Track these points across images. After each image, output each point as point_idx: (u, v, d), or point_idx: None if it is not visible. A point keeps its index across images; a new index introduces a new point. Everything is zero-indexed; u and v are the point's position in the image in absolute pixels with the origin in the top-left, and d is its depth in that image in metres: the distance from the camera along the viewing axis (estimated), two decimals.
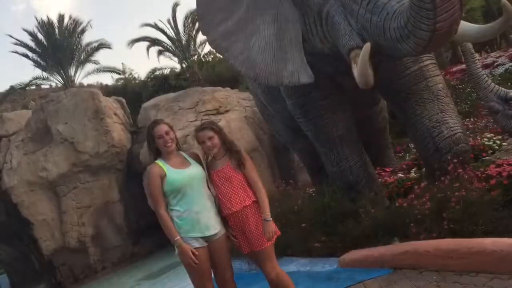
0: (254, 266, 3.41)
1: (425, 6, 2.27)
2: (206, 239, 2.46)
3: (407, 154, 5.88)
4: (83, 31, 16.82)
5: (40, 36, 16.31)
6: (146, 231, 9.74)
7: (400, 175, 4.16)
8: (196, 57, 19.47)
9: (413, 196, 3.24)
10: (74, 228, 9.30)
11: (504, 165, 3.23)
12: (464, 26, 2.78)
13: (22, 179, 9.19)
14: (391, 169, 4.64)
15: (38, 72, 17.47)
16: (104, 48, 17.24)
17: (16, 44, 16.13)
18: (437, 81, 3.52)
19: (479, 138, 4.52)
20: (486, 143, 4.28)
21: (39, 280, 9.77)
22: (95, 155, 9.51)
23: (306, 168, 5.68)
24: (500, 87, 3.44)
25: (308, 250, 3.60)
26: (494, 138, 4.45)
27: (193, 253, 2.37)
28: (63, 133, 9.54)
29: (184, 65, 18.72)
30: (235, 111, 9.97)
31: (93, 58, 17.28)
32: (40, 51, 16.44)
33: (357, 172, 3.78)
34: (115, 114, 10.35)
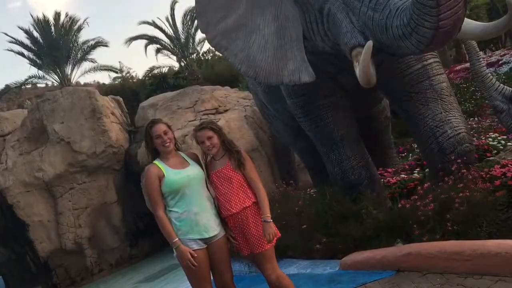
0: (254, 268, 3.37)
1: (428, 3, 2.23)
2: (205, 241, 2.43)
3: (410, 154, 5.80)
4: (79, 29, 16.77)
5: (36, 34, 16.24)
6: (144, 232, 9.67)
7: (403, 175, 4.11)
8: (195, 55, 19.50)
9: (416, 197, 3.20)
10: (71, 230, 9.19)
11: (509, 165, 3.21)
12: (468, 24, 2.75)
13: (17, 179, 9.08)
14: (393, 169, 4.59)
15: (34, 70, 17.48)
16: (101, 46, 17.24)
17: (11, 42, 16.08)
18: (441, 80, 3.47)
19: (483, 138, 4.46)
20: (491, 143, 4.22)
21: (35, 282, 9.65)
22: (92, 155, 9.41)
23: (307, 168, 5.62)
24: (505, 86, 3.41)
25: (309, 252, 3.57)
26: (499, 138, 4.39)
27: (192, 255, 2.34)
28: (59, 133, 9.43)
29: (182, 64, 18.71)
30: (235, 110, 9.89)
31: (90, 57, 17.27)
32: (36, 49, 16.36)
33: (359, 173, 3.74)
34: (113, 113, 10.25)
